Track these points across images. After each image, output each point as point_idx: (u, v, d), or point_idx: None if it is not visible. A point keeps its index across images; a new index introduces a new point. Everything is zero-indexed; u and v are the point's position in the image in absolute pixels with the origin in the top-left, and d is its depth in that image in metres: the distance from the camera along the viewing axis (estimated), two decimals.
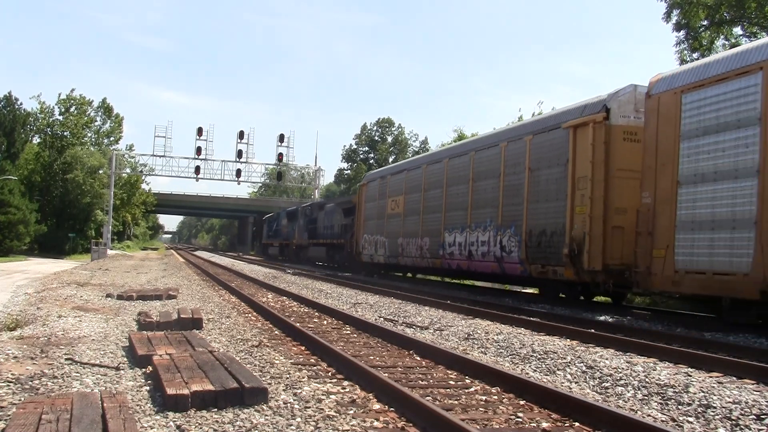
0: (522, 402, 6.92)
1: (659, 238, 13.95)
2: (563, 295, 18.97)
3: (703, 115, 13.28)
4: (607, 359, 9.30)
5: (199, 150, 69.60)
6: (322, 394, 6.88)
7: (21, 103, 60.37)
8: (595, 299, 19.01)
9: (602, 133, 16.21)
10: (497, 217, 20.41)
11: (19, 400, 6.07)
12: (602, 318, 14.62)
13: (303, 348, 10.22)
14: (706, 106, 13.22)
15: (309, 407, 6.26)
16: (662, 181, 14.05)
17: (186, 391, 6.05)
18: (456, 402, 6.93)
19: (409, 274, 31.74)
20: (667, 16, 32.27)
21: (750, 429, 6.11)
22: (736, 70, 12.58)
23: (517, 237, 19.25)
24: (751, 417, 6.40)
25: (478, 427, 5.90)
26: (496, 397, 7.18)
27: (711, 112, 13.09)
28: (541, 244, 18.17)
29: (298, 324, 12.22)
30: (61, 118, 64.42)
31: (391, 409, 6.48)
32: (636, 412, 6.66)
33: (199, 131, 69.49)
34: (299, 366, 8.60)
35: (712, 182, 12.92)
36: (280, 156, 74.65)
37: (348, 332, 12.25)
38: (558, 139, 17.75)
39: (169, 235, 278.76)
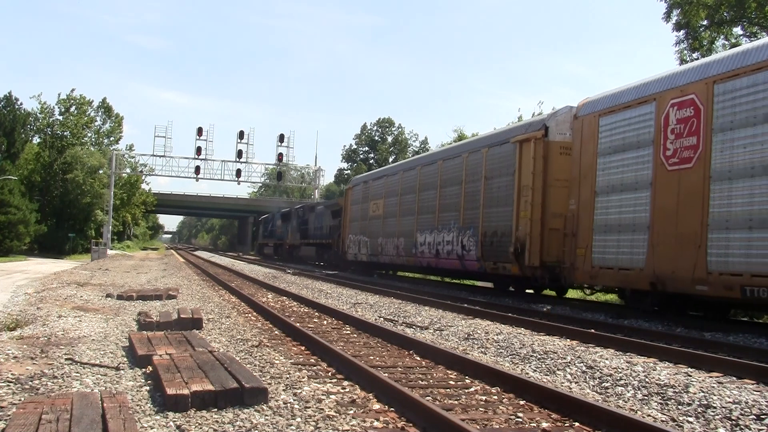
0: (522, 402, 6.92)
1: (581, 239, 16.44)
2: (512, 288, 21.94)
3: (614, 136, 15.76)
4: (607, 359, 9.30)
5: (199, 150, 69.57)
6: (322, 394, 6.88)
7: (21, 103, 60.44)
8: (542, 293, 21.56)
9: (541, 147, 18.48)
10: (459, 220, 22.90)
11: (19, 400, 6.07)
12: (544, 308, 16.98)
13: (303, 348, 10.22)
14: (617, 128, 15.70)
15: (309, 407, 6.26)
16: (584, 191, 16.58)
17: (186, 391, 6.05)
18: (456, 402, 6.93)
19: (393, 272, 34.13)
20: (667, 16, 32.32)
21: (750, 429, 6.11)
22: (638, 99, 15.11)
23: (475, 238, 21.62)
24: (751, 417, 6.40)
25: (478, 427, 5.90)
26: (496, 397, 7.18)
27: (619, 134, 15.57)
28: (493, 244, 20.56)
29: (298, 324, 12.22)
30: (61, 118, 64.38)
31: (391, 409, 6.48)
32: (636, 412, 6.66)
33: (199, 131, 69.48)
34: (299, 366, 8.60)
35: (619, 192, 15.43)
36: (280, 156, 74.62)
37: (348, 332, 12.25)
38: (507, 152, 20.17)
39: (169, 235, 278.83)
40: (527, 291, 21.33)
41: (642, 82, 15.63)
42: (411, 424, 5.97)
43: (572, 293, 21.99)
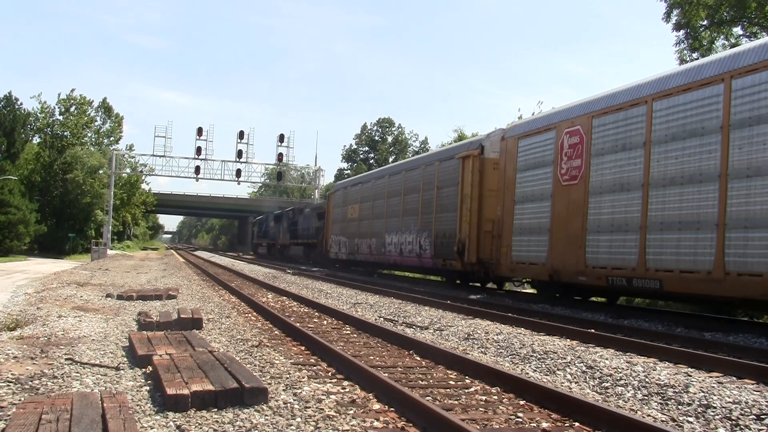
0: (522, 402, 6.92)
1: (504, 240, 19.99)
2: (458, 281, 25.19)
3: (528, 156, 19.24)
4: (607, 359, 9.30)
5: (199, 150, 69.53)
6: (322, 394, 6.88)
7: (21, 103, 60.40)
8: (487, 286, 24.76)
9: (478, 163, 22.24)
10: (418, 223, 26.67)
11: (19, 400, 6.07)
12: (476, 297, 20.19)
13: (303, 348, 10.22)
14: (530, 150, 19.19)
15: (309, 407, 6.26)
16: (507, 200, 20.10)
17: (186, 391, 6.05)
18: (456, 402, 6.93)
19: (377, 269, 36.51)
20: (667, 16, 32.30)
21: (750, 429, 6.11)
22: (545, 127, 18.66)
23: (430, 238, 25.41)
24: (751, 417, 6.40)
25: (478, 427, 5.90)
26: (496, 397, 7.18)
27: (531, 154, 19.06)
28: (443, 244, 24.16)
29: (298, 324, 12.22)
30: (61, 118, 64.32)
31: (391, 409, 6.48)
32: (636, 412, 6.66)
33: (199, 131, 69.44)
34: (299, 366, 8.60)
35: (530, 202, 18.91)
36: (280, 156, 74.59)
37: (348, 332, 12.25)
38: (454, 166, 23.78)
39: (169, 235, 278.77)
40: (471, 284, 24.77)
41: (548, 113, 20.01)
42: (411, 424, 5.97)
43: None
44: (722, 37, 32.61)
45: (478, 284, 24.84)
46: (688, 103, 13.74)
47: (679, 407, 6.87)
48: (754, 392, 7.38)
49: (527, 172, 19.11)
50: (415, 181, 27.50)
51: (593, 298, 20.07)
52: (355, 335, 11.88)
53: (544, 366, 9.14)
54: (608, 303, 18.66)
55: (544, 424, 6.13)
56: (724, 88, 12.94)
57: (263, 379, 7.24)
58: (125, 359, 8.48)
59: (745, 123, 12.45)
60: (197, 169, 70.09)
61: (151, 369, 7.43)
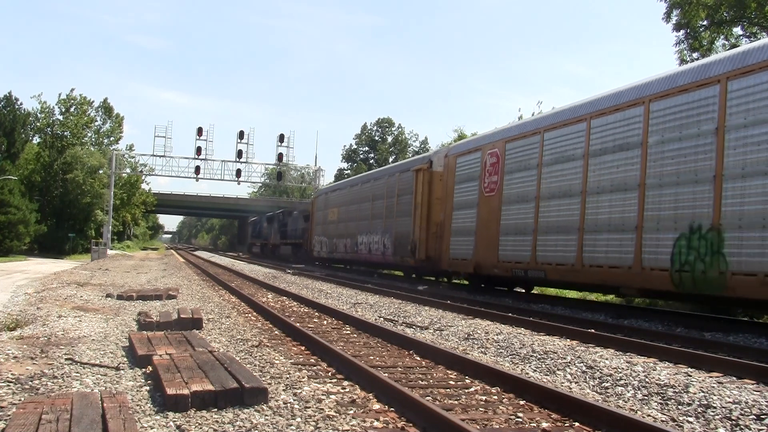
0: (522, 402, 6.92)
1: (445, 240, 23.96)
2: (414, 275, 29.82)
3: (462, 171, 23.22)
4: (607, 359, 9.30)
5: (199, 150, 69.51)
6: (322, 394, 6.89)
7: (21, 103, 60.42)
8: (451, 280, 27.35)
9: (428, 176, 26.28)
10: (383, 226, 30.68)
11: (19, 400, 6.07)
12: (422, 288, 24.02)
13: (303, 348, 10.22)
14: (463, 166, 23.20)
15: (309, 407, 6.26)
16: (447, 207, 24.04)
17: (186, 391, 6.05)
18: (456, 402, 6.93)
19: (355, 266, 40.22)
20: (667, 16, 32.28)
21: (750, 429, 6.11)
22: (474, 148, 22.82)
23: (391, 239, 29.43)
24: (751, 417, 6.40)
25: (478, 427, 5.91)
26: (496, 397, 7.18)
27: (464, 170, 23.06)
28: (401, 244, 28.20)
29: (298, 324, 12.22)
30: (61, 118, 64.27)
31: (391, 409, 6.48)
32: (636, 412, 6.66)
33: (199, 131, 69.40)
34: (299, 366, 8.60)
35: (462, 209, 22.79)
36: (280, 156, 74.56)
37: (348, 332, 12.25)
38: (410, 177, 27.95)
39: (169, 235, 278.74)
40: (425, 277, 29.10)
41: (477, 137, 25.43)
42: (411, 424, 5.97)
43: (572, 294, 23.05)
44: (722, 37, 32.60)
45: (433, 278, 28.57)
46: (567, 135, 17.59)
47: (679, 407, 6.87)
48: (754, 392, 7.38)
49: (462, 185, 23.13)
50: (380, 189, 31.98)
51: (594, 297, 21.27)
52: (355, 335, 11.88)
53: (544, 366, 9.14)
54: (526, 292, 22.98)
55: (544, 424, 6.13)
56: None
57: (263, 379, 7.24)
58: (125, 359, 8.49)
59: (596, 153, 16.58)
60: (197, 169, 70.08)
61: (151, 369, 7.43)
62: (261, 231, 72.36)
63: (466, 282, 24.90)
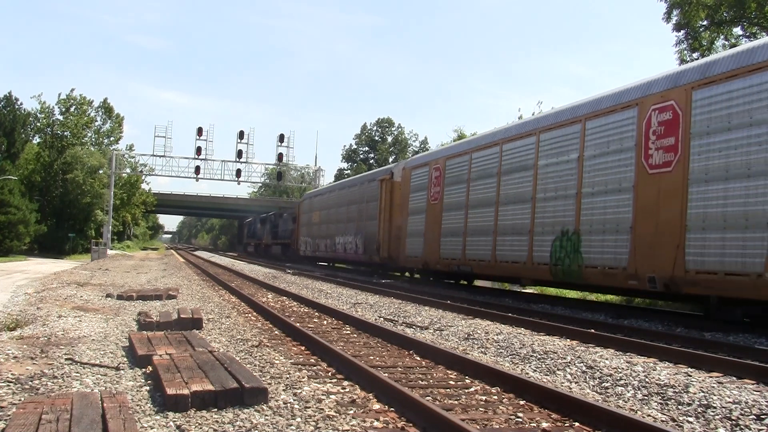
0: (522, 402, 6.92)
1: (402, 241, 28.08)
2: (380, 271, 33.38)
3: (415, 182, 27.36)
4: (607, 359, 9.30)
5: (199, 150, 69.60)
6: (322, 394, 6.89)
7: (21, 103, 60.37)
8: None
9: (389, 185, 30.67)
10: (355, 228, 35.31)
11: (19, 400, 6.07)
12: (384, 281, 28.03)
13: (303, 348, 10.22)
14: (416, 178, 27.29)
15: (309, 407, 6.26)
16: (404, 212, 28.15)
17: (186, 391, 6.05)
18: (456, 402, 6.93)
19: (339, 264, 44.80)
20: (668, 16, 32.32)
21: (750, 429, 6.11)
22: (424, 163, 27.08)
23: (362, 239, 33.89)
24: (751, 417, 6.40)
25: (478, 427, 5.90)
26: (496, 397, 7.18)
27: (417, 181, 27.19)
28: (369, 244, 32.66)
29: (298, 324, 12.22)
30: (61, 118, 64.26)
31: (391, 409, 6.48)
32: (636, 412, 6.66)
33: (199, 131, 69.51)
34: (299, 366, 8.60)
35: (415, 214, 26.86)
36: (280, 156, 74.66)
37: (348, 332, 12.25)
38: (375, 187, 32.66)
39: (169, 235, 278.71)
40: (390, 273, 32.53)
41: (426, 154, 32.07)
42: (411, 424, 5.97)
43: (572, 293, 23.17)
44: (722, 37, 32.62)
45: (398, 273, 32.15)
46: (487, 156, 21.72)
47: (679, 407, 6.87)
48: (754, 392, 7.37)
49: (415, 194, 27.29)
50: (354, 195, 36.49)
51: (594, 297, 21.61)
52: (355, 335, 11.88)
53: (544, 366, 9.14)
54: (467, 284, 26.40)
55: (544, 424, 6.13)
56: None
57: (263, 379, 7.24)
58: (125, 359, 8.49)
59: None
60: (197, 169, 70.17)
61: (151, 369, 7.43)
62: (255, 231, 76.84)
63: (417, 276, 29.63)
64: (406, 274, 31.39)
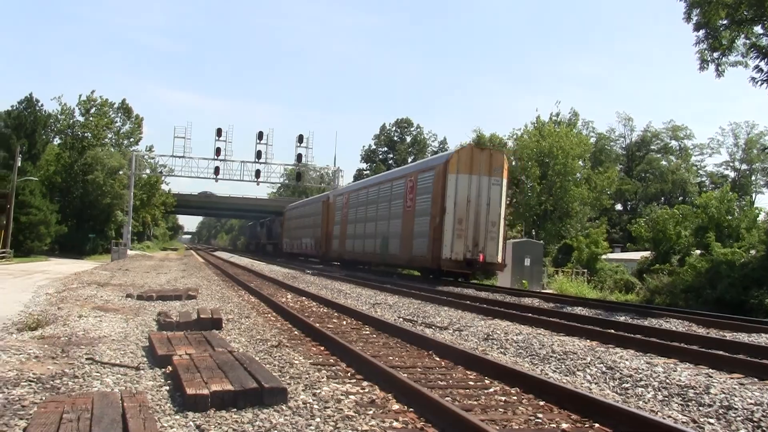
0: (541, 403, 6.90)
1: (331, 241, 45.04)
2: (323, 262, 47.72)
3: (337, 204, 44.68)
4: (627, 360, 9.25)
5: (218, 151, 69.98)
6: (342, 395, 6.89)
7: (42, 105, 60.56)
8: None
9: (326, 205, 47.18)
10: (312, 233, 51.54)
11: (41, 399, 6.12)
12: (319, 266, 42.65)
13: (322, 348, 10.23)
14: (337, 202, 44.57)
15: (328, 407, 6.26)
16: (331, 223, 45.35)
17: (206, 391, 6.07)
18: (475, 402, 6.91)
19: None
20: (688, 16, 32.04)
21: None
22: (342, 193, 46.27)
23: (314, 241, 50.11)
24: None
25: (497, 427, 5.89)
26: (515, 397, 7.16)
27: (338, 204, 44.43)
28: (317, 243, 48.75)
29: (317, 324, 12.23)
30: (81, 119, 64.69)
31: (411, 409, 6.47)
32: (656, 414, 6.61)
33: (219, 132, 69.90)
34: (318, 366, 8.61)
35: (336, 225, 43.98)
36: (299, 156, 74.91)
37: (367, 332, 12.25)
38: (320, 205, 48.98)
39: (189, 236, 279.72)
40: (332, 263, 45.81)
41: (344, 186, 60.19)
42: (430, 425, 5.96)
43: (592, 294, 23.49)
44: (743, 36, 32.30)
45: (337, 263, 44.41)
46: (360, 192, 40.21)
47: (700, 408, 6.82)
48: None
49: (336, 212, 44.16)
50: (311, 210, 53.29)
51: (614, 298, 20.69)
52: (375, 335, 11.88)
53: (563, 367, 9.10)
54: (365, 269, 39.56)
55: (564, 425, 6.11)
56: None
57: (283, 379, 7.25)
58: (145, 359, 8.53)
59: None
60: (216, 170, 70.55)
61: (171, 369, 7.46)
62: (256, 233, 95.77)
63: (338, 263, 44.01)
64: (334, 263, 44.98)
